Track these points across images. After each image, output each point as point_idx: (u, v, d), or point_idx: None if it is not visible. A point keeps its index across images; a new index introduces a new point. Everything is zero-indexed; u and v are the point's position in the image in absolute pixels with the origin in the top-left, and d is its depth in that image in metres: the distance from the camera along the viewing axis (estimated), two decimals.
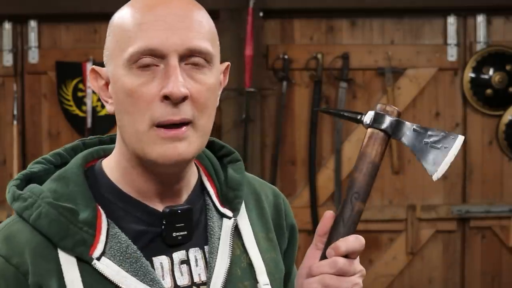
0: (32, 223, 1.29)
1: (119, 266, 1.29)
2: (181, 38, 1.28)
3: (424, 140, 1.35)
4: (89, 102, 4.87)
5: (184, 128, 1.28)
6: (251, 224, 1.44)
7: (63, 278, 1.27)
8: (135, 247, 1.31)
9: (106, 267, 1.28)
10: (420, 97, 4.97)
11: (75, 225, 1.29)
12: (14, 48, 4.91)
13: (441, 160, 1.34)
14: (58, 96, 4.90)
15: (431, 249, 5.02)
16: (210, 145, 1.47)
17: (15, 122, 4.88)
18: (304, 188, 4.99)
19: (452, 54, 4.95)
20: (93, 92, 4.86)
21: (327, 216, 1.37)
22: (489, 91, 4.95)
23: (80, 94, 4.89)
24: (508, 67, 4.95)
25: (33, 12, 4.85)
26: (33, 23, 4.91)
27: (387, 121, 1.35)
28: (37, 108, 4.96)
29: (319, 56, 4.92)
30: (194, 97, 1.28)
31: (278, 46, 4.95)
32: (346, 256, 1.33)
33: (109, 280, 1.28)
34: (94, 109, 4.88)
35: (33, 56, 4.92)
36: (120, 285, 1.28)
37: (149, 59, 1.27)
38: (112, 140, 1.46)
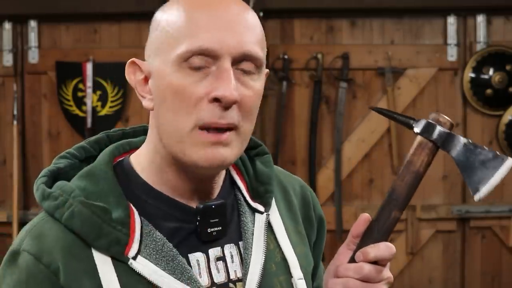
0: (64, 222, 1.26)
1: (155, 265, 1.27)
2: (236, 41, 1.25)
3: (472, 157, 1.32)
4: (89, 102, 4.87)
5: (227, 134, 1.26)
6: (281, 217, 1.43)
7: (98, 278, 1.24)
8: (170, 245, 1.29)
9: (143, 266, 1.26)
10: (420, 97, 4.97)
11: (108, 224, 1.26)
12: (14, 48, 4.91)
13: (487, 181, 1.31)
14: (58, 96, 4.90)
15: (431, 249, 5.02)
16: None
17: (15, 122, 4.88)
18: None
19: (452, 54, 4.95)
20: (93, 92, 4.86)
21: (362, 219, 1.36)
22: (489, 91, 4.95)
23: (80, 94, 4.89)
24: (508, 67, 4.95)
25: (33, 12, 4.85)
26: (33, 23, 4.91)
27: (438, 132, 1.33)
28: (37, 108, 4.96)
29: (319, 56, 4.92)
30: (242, 102, 1.26)
31: (278, 46, 4.95)
32: (375, 262, 1.33)
33: (146, 279, 1.26)
34: (94, 109, 4.87)
35: (33, 56, 4.92)
36: (158, 284, 1.26)
37: (201, 59, 1.25)
38: (136, 133, 1.44)
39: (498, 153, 1.31)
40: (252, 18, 1.29)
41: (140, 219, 1.29)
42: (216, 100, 1.24)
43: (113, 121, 4.79)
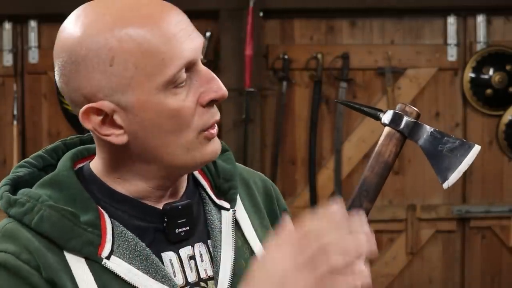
0: (34, 227, 1.24)
1: (129, 264, 1.27)
2: (199, 41, 1.27)
3: (440, 145, 1.32)
4: None
5: (216, 126, 1.31)
6: (246, 213, 1.44)
7: (73, 278, 1.23)
8: (143, 244, 1.29)
9: (117, 265, 1.26)
10: (420, 97, 4.97)
11: (79, 227, 1.25)
12: (14, 48, 4.91)
13: (454, 169, 1.31)
14: (58, 96, 4.89)
15: (431, 249, 5.02)
16: None
17: (15, 122, 4.88)
18: (304, 188, 4.98)
19: (452, 54, 4.95)
20: None
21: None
22: (489, 91, 4.95)
23: None
24: (508, 67, 4.95)
25: (33, 12, 4.85)
26: (33, 23, 4.91)
27: (405, 122, 1.33)
28: (37, 108, 4.96)
29: (319, 56, 4.92)
30: None
31: (278, 46, 4.95)
32: None
33: (121, 278, 1.25)
34: None
35: (33, 56, 4.92)
36: (133, 283, 1.26)
37: (184, 73, 1.25)
38: (94, 140, 1.41)
39: (464, 140, 1.32)
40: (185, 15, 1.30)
41: (111, 220, 1.29)
42: (212, 101, 1.27)
43: None
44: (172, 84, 1.23)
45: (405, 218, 4.96)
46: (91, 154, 1.38)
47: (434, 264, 5.03)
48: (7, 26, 4.89)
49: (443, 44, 4.97)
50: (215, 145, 1.31)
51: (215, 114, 1.29)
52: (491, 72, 4.95)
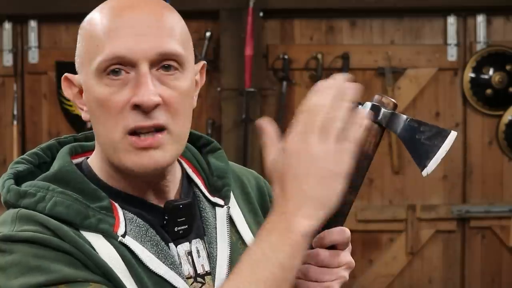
0: (48, 212, 1.25)
1: (142, 246, 1.28)
2: (150, 44, 1.25)
3: (417, 134, 1.32)
4: None
5: (159, 135, 1.26)
6: (240, 210, 1.44)
7: (95, 251, 1.24)
8: (153, 231, 1.30)
9: (132, 244, 1.27)
10: (420, 97, 4.98)
11: (92, 209, 1.27)
12: (14, 48, 4.91)
13: (432, 156, 1.30)
14: (58, 96, 4.90)
15: (431, 249, 5.02)
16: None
17: (15, 122, 4.89)
18: None
19: (452, 54, 4.95)
20: None
21: None
22: (489, 91, 4.95)
23: None
24: (508, 67, 4.95)
25: (33, 12, 4.86)
26: (33, 23, 4.91)
27: (382, 113, 1.33)
28: (37, 108, 4.96)
29: (319, 56, 4.93)
30: (166, 102, 1.26)
31: (278, 46, 4.95)
32: (333, 247, 1.32)
33: (136, 257, 1.26)
34: None
35: (33, 56, 4.92)
36: (147, 264, 1.27)
37: (118, 67, 1.25)
38: (87, 139, 1.44)
39: (441, 127, 1.31)
40: (169, 18, 1.29)
41: (121, 207, 1.30)
42: (137, 106, 1.25)
43: None
44: (102, 72, 1.25)
45: (405, 218, 4.96)
46: (85, 151, 1.40)
47: (434, 264, 5.03)
48: (7, 26, 4.90)
49: (443, 44, 4.97)
50: (144, 158, 1.27)
51: (140, 120, 1.25)
52: (491, 72, 4.95)
